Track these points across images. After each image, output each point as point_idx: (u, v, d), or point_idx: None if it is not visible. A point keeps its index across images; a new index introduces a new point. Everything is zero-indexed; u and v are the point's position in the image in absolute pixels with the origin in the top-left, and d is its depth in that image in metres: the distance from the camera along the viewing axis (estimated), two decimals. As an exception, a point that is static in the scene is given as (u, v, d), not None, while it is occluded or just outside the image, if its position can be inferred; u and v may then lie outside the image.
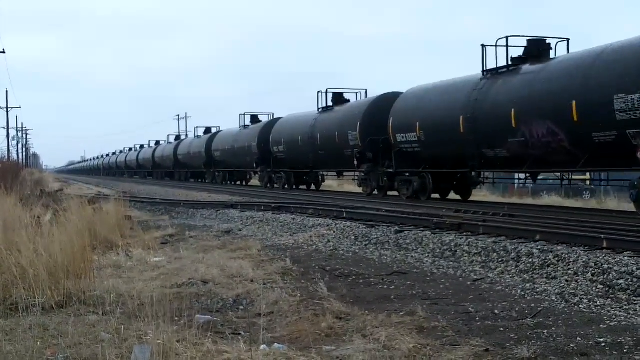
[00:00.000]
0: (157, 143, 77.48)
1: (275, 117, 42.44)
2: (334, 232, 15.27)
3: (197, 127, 63.08)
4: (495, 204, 22.10)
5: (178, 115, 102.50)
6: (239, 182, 48.56)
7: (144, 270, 10.62)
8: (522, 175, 25.25)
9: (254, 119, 45.56)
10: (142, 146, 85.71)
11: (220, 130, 53.09)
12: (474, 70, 22.24)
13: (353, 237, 14.46)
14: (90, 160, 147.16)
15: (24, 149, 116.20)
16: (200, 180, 55.98)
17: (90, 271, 9.10)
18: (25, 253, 8.66)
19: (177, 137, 74.26)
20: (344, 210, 18.28)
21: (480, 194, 32.51)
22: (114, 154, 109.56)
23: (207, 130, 58.30)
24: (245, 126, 45.74)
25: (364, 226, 15.33)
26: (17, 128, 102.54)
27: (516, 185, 36.84)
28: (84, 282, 8.63)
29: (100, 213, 15.92)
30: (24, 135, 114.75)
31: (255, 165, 40.43)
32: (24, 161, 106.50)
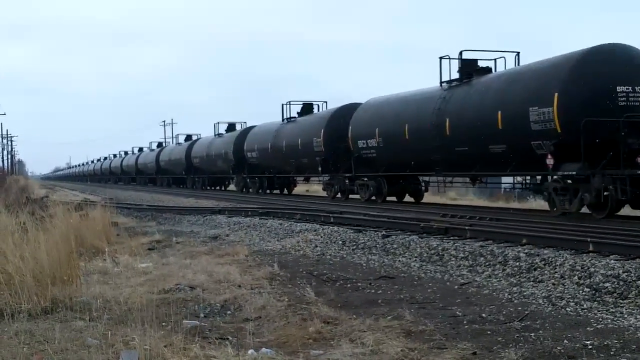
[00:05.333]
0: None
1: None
2: (321, 237, 15.27)
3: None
4: (482, 208, 22.18)
5: (164, 121, 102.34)
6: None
7: (131, 276, 10.56)
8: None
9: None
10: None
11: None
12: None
13: (340, 242, 14.46)
14: (76, 166, 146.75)
15: (9, 156, 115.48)
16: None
17: (77, 277, 9.06)
18: (11, 259, 8.61)
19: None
20: (331, 215, 18.30)
21: (467, 198, 32.70)
22: (92, 162, 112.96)
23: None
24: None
25: (352, 231, 15.34)
26: (1, 135, 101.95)
27: (502, 189, 37.49)
28: (71, 288, 8.59)
29: (86, 219, 15.86)
30: (9, 142, 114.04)
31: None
32: (9, 168, 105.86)
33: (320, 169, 30.36)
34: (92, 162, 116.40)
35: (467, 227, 13.78)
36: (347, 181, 28.86)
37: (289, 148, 33.41)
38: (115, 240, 15.29)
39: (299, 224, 17.62)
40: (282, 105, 35.59)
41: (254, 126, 41.44)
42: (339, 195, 29.78)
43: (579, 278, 9.30)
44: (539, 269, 10.07)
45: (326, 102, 34.84)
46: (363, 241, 14.10)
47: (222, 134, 47.00)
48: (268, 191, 38.48)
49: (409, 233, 14.39)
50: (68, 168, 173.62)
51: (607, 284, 8.79)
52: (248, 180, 40.33)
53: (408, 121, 23.58)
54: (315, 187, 41.51)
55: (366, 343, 6.44)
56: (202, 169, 49.70)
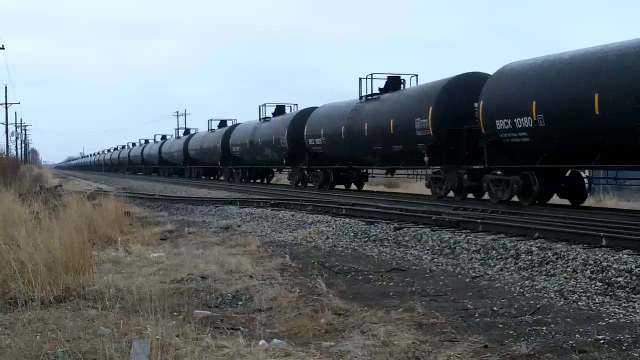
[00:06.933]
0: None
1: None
2: (333, 228, 15.28)
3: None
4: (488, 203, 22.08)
5: (177, 112, 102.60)
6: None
7: (143, 265, 10.62)
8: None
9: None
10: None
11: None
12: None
13: (352, 234, 14.46)
14: (90, 156, 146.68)
15: (23, 145, 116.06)
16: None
17: (89, 266, 9.10)
18: (24, 248, 8.67)
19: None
20: (343, 207, 18.29)
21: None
22: (108, 151, 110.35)
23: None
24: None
25: (363, 223, 15.33)
26: (16, 124, 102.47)
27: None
28: (83, 277, 8.63)
29: (99, 209, 15.94)
30: (23, 131, 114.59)
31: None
32: (23, 157, 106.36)
33: (426, 158, 22.65)
34: (109, 150, 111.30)
35: (479, 221, 13.75)
36: (465, 176, 21.34)
37: (374, 132, 26.23)
38: (127, 229, 15.36)
39: (310, 216, 17.63)
40: (360, 79, 28.69)
41: (314, 107, 34.17)
42: (450, 193, 22.61)
43: (592, 272, 9.27)
44: (551, 263, 10.04)
45: (417, 75, 27.60)
46: (375, 233, 14.10)
47: (268, 117, 40.07)
48: (324, 186, 31.44)
49: (420, 226, 14.37)
50: (82, 157, 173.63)
51: (619, 279, 8.76)
52: (306, 172, 33.39)
53: (600, 88, 16.11)
54: (384, 182, 36.28)
55: (377, 335, 6.44)
56: (243, 159, 42.58)
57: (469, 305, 7.91)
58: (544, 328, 6.77)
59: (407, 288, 9.11)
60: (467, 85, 21.84)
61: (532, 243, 11.25)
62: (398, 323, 6.89)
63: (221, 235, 15.27)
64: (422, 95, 23.83)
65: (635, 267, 8.95)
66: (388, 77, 27.90)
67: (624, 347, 6.08)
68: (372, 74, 28.31)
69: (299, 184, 34.37)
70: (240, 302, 8.32)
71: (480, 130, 20.20)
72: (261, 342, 6.14)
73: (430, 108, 22.46)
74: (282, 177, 43.95)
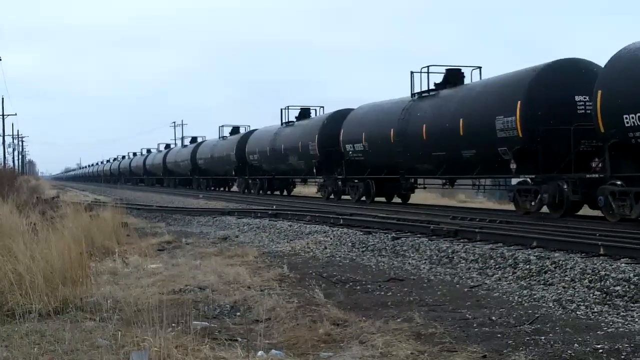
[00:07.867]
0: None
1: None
2: (331, 238, 15.26)
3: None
4: (491, 211, 22.10)
5: (174, 122, 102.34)
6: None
7: (141, 276, 10.58)
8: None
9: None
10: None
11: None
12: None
13: (350, 244, 14.45)
14: (88, 166, 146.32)
15: (20, 156, 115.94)
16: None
17: (87, 277, 9.09)
18: (21, 259, 8.66)
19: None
20: (340, 217, 18.29)
21: (476, 201, 32.33)
22: (107, 161, 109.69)
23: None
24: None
25: (361, 233, 15.33)
26: (13, 135, 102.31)
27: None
28: (81, 288, 8.62)
29: (96, 220, 15.93)
30: (20, 143, 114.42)
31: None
32: (20, 168, 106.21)
33: (513, 165, 18.64)
34: (108, 161, 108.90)
35: (477, 230, 13.75)
36: (566, 187, 17.36)
37: (435, 135, 22.27)
38: (125, 240, 15.32)
39: (308, 226, 17.62)
40: (412, 73, 24.53)
41: (351, 109, 30.24)
42: (544, 209, 18.57)
43: (590, 281, 9.26)
44: (549, 272, 10.04)
45: (480, 67, 23.74)
46: (372, 243, 14.09)
47: (292, 122, 36.16)
48: (364, 199, 27.34)
49: (418, 235, 14.37)
50: (79, 168, 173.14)
51: (617, 288, 8.76)
52: (339, 183, 29.31)
53: None
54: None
55: (376, 345, 6.43)
56: (262, 168, 38.53)
57: (467, 315, 7.90)
58: (543, 338, 6.76)
59: (405, 298, 9.10)
60: (565, 75, 18.28)
61: (530, 252, 11.25)
62: (396, 333, 6.88)
63: (219, 245, 15.25)
64: (506, 88, 19.52)
65: (634, 275, 8.95)
66: (447, 70, 23.92)
67: (622, 357, 6.08)
68: (427, 66, 24.28)
69: (332, 197, 30.23)
70: (238, 313, 8.31)
71: (598, 129, 16.12)
72: (259, 352, 6.13)
73: (519, 103, 18.25)
74: (303, 189, 40.58)
